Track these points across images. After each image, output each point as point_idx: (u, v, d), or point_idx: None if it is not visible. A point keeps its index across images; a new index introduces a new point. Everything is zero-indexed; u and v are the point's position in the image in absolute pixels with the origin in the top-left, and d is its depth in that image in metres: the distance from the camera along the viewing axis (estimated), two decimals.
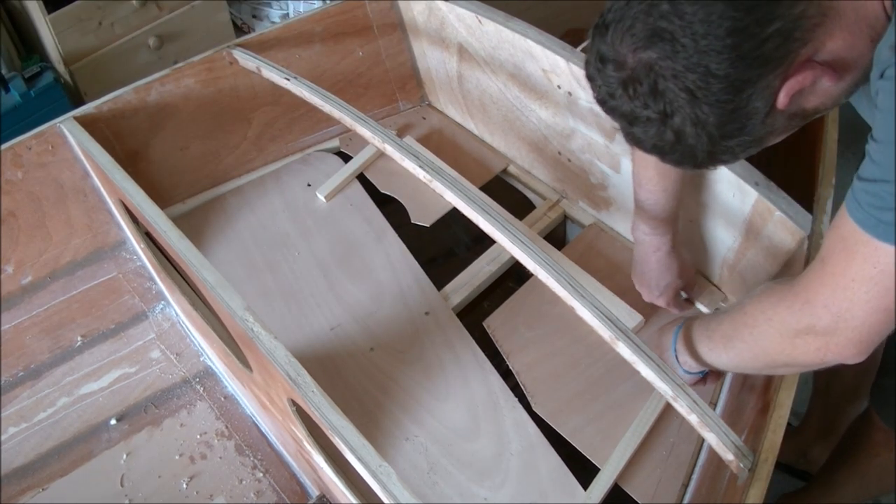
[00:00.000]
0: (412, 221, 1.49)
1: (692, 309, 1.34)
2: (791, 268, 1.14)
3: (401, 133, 1.64)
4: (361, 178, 1.57)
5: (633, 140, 0.84)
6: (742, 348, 0.95)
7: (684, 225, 1.32)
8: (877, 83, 0.74)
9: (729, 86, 0.74)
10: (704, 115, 0.76)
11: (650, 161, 1.15)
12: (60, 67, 1.97)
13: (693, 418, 0.93)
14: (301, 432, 1.08)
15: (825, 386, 1.57)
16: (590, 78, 0.83)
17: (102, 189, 1.38)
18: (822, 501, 1.50)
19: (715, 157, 0.82)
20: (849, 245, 0.77)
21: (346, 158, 1.60)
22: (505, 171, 1.60)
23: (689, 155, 0.81)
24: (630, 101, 0.79)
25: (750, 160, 1.19)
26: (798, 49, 0.74)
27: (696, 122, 0.77)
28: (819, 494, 1.51)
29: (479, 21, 1.42)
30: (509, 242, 1.05)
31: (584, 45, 1.27)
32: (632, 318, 1.30)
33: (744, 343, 0.94)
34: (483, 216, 1.07)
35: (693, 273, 1.30)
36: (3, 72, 1.88)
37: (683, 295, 1.33)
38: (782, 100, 0.76)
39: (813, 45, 0.75)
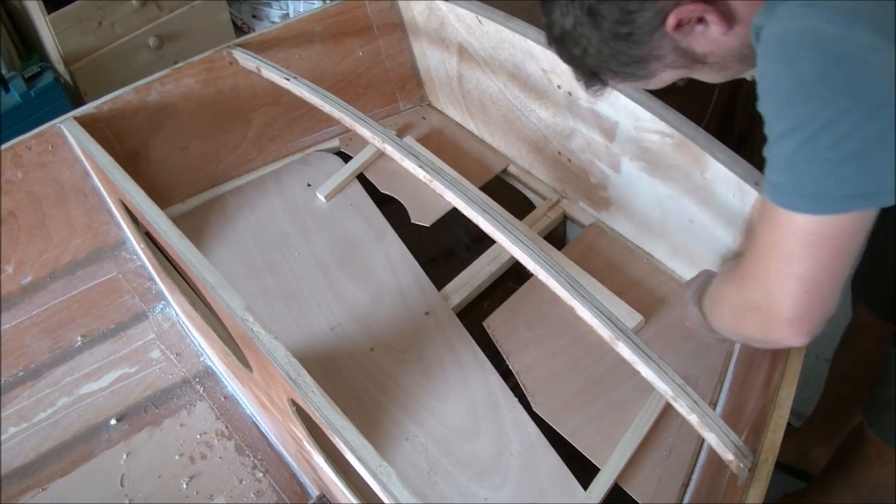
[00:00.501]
0: (412, 221, 1.49)
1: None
2: None
3: (401, 133, 1.64)
4: (361, 178, 1.57)
5: (548, 31, 0.89)
6: (718, 322, 0.98)
7: (684, 225, 1.32)
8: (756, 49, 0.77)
9: None
10: (600, 7, 0.81)
11: None
12: (60, 67, 1.97)
13: (693, 418, 0.93)
14: (301, 432, 1.08)
15: (835, 389, 1.57)
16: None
17: (102, 189, 1.38)
18: None
19: (603, 60, 0.87)
20: (765, 218, 0.79)
21: (346, 158, 1.60)
22: (505, 171, 1.60)
23: (583, 48, 0.87)
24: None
25: (750, 160, 1.19)
26: None
27: (591, 12, 0.82)
28: (818, 499, 1.51)
29: (479, 21, 1.42)
30: (509, 242, 1.05)
31: None
32: (632, 318, 1.30)
33: (716, 318, 0.98)
34: (483, 216, 1.07)
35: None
36: (3, 72, 1.88)
37: None
38: (671, 21, 0.80)
39: None
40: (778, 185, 0.75)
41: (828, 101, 0.69)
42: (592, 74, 0.90)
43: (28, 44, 2.02)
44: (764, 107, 0.75)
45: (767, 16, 0.74)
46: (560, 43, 0.89)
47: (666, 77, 0.89)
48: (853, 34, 0.68)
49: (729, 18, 0.80)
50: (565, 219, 1.55)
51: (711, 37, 0.82)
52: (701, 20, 0.80)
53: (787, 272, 0.78)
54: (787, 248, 0.77)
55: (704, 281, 1.07)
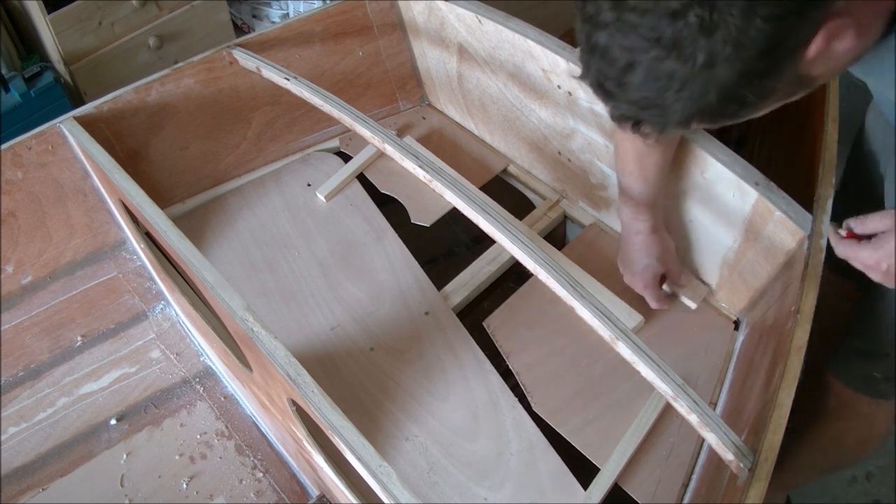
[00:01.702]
0: (412, 221, 1.49)
1: (675, 302, 1.34)
2: (791, 268, 1.14)
3: (401, 133, 1.64)
4: (361, 178, 1.57)
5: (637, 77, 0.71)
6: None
7: (684, 225, 1.32)
8: None
9: (784, 8, 0.66)
10: (750, 37, 0.67)
11: (630, 152, 1.18)
12: (60, 67, 1.97)
13: (693, 418, 0.93)
14: (301, 432, 1.08)
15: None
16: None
17: (102, 189, 1.38)
18: (781, 471, 1.49)
19: (722, 105, 0.72)
20: None
21: (346, 158, 1.60)
22: (505, 171, 1.60)
23: (701, 94, 0.71)
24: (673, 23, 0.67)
25: (750, 160, 1.19)
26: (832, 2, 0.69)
27: (737, 44, 0.67)
28: (778, 463, 1.50)
29: (479, 21, 1.42)
30: (509, 242, 1.05)
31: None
32: (632, 318, 1.30)
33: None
34: (483, 216, 1.07)
35: (675, 260, 1.32)
36: (3, 72, 1.88)
37: (666, 290, 1.33)
38: (819, 44, 0.70)
39: (841, 2, 0.70)
40: None
41: None
42: (689, 121, 0.75)
43: (28, 44, 2.02)
44: None
45: None
46: (662, 89, 0.70)
47: (769, 109, 0.79)
48: None
49: (859, 30, 0.72)
50: (565, 219, 1.55)
51: (834, 55, 0.73)
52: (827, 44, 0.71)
53: None
54: None
55: None
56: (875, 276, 0.95)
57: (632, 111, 0.75)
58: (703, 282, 1.36)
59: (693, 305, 1.33)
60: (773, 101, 0.78)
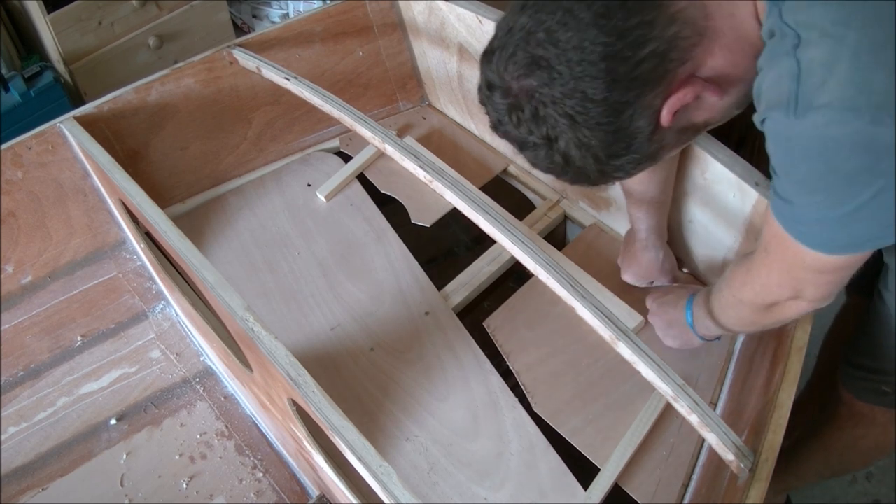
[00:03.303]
0: (412, 221, 1.49)
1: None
2: None
3: (401, 133, 1.64)
4: (361, 178, 1.57)
5: (530, 162, 0.87)
6: (735, 322, 1.03)
7: (684, 225, 1.32)
8: (760, 125, 0.76)
9: (607, 109, 0.76)
10: (587, 139, 0.78)
11: None
12: (60, 67, 1.97)
13: (693, 418, 0.93)
14: (301, 432, 1.08)
15: (827, 369, 1.57)
16: (482, 103, 0.86)
17: (102, 189, 1.38)
18: (786, 474, 1.50)
19: (607, 175, 0.85)
20: (782, 242, 0.81)
21: (346, 158, 1.60)
22: (505, 171, 1.60)
23: (582, 175, 0.84)
24: (516, 128, 0.82)
25: (750, 160, 1.19)
26: (675, 69, 0.76)
27: (579, 145, 0.79)
28: (783, 466, 1.51)
29: (479, 21, 1.42)
30: (509, 242, 1.05)
31: None
32: (632, 318, 1.30)
33: (733, 318, 1.02)
34: (483, 216, 1.07)
35: (671, 265, 1.33)
36: (3, 72, 1.88)
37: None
38: (665, 117, 0.78)
39: (692, 63, 0.76)
40: (807, 234, 0.77)
41: (866, 185, 0.69)
42: (598, 184, 0.89)
43: (28, 44, 2.02)
44: (782, 160, 0.75)
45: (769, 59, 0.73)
46: (553, 174, 0.87)
47: (675, 151, 0.90)
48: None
49: (722, 83, 0.78)
50: (565, 219, 1.55)
51: (708, 105, 0.80)
52: (695, 98, 0.78)
53: (821, 280, 0.84)
54: (817, 269, 0.81)
55: (695, 291, 1.16)
56: (659, 333, 1.23)
57: (546, 173, 0.89)
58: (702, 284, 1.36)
59: None
60: (668, 151, 0.87)
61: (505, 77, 0.80)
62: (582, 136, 0.78)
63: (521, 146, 0.85)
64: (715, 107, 0.81)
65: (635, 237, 1.29)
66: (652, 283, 1.32)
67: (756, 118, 0.77)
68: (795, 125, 0.70)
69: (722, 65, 0.78)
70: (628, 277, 1.34)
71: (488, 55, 0.82)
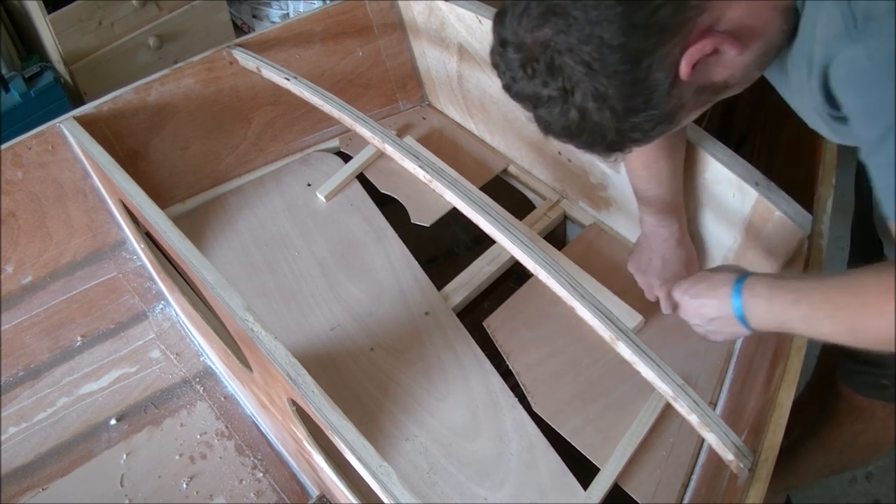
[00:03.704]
0: (412, 221, 1.49)
1: None
2: (791, 268, 1.14)
3: (401, 133, 1.64)
4: (361, 178, 1.57)
5: (543, 125, 0.83)
6: (838, 327, 0.85)
7: None
8: (825, 75, 0.72)
9: (625, 56, 0.73)
10: (604, 88, 0.75)
11: (637, 159, 1.16)
12: (60, 67, 1.97)
13: (693, 418, 0.93)
14: (301, 432, 1.08)
15: (828, 368, 1.56)
16: (494, 65, 0.83)
17: (102, 189, 1.38)
18: (786, 473, 1.50)
19: (625, 135, 0.81)
20: None
21: (346, 158, 1.60)
22: (505, 171, 1.60)
23: (598, 134, 0.80)
24: (530, 81, 0.79)
25: (750, 160, 1.19)
26: (695, 17, 0.74)
27: (597, 95, 0.76)
28: (783, 466, 1.51)
29: (479, 21, 1.42)
30: (509, 242, 1.05)
31: None
32: (632, 318, 1.30)
33: (842, 324, 0.85)
34: (483, 216, 1.07)
35: (697, 267, 1.30)
36: (3, 72, 1.88)
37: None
38: (684, 69, 0.75)
39: (711, 14, 0.74)
40: None
41: None
42: (614, 150, 0.84)
43: (28, 44, 2.02)
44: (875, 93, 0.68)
45: None
46: (568, 136, 0.82)
47: (693, 115, 0.84)
48: None
49: (742, 36, 0.76)
50: (565, 219, 1.55)
51: (727, 61, 0.78)
52: (714, 51, 0.76)
53: None
54: None
55: (737, 274, 0.97)
56: (699, 329, 1.06)
57: (559, 138, 0.84)
58: None
59: None
60: (686, 113, 0.83)
61: (518, 31, 0.77)
62: (599, 86, 0.75)
63: (536, 103, 0.81)
64: (734, 63, 0.78)
65: (658, 247, 1.25)
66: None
67: (814, 60, 0.74)
68: (861, 42, 0.67)
69: (742, 16, 0.75)
70: (642, 283, 1.29)
71: (500, 15, 0.80)
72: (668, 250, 1.24)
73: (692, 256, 1.27)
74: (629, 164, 1.19)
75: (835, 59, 0.71)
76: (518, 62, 0.79)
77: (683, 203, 1.23)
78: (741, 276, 0.96)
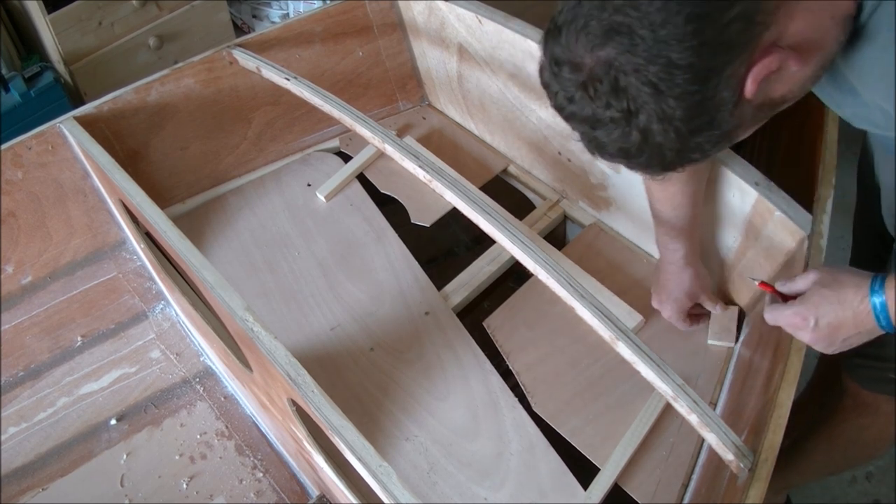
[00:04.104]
0: (412, 221, 1.49)
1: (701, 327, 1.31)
2: (791, 268, 1.14)
3: (401, 133, 1.64)
4: (361, 178, 1.57)
5: (597, 146, 0.80)
6: None
7: None
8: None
9: (694, 76, 0.71)
10: (671, 110, 0.73)
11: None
12: (60, 67, 1.97)
13: (693, 418, 0.93)
14: (301, 432, 1.08)
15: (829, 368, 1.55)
16: (545, 85, 0.80)
17: (102, 189, 1.38)
18: (788, 471, 1.50)
19: (684, 156, 0.79)
20: None
21: (346, 158, 1.60)
22: (505, 171, 1.60)
23: (657, 155, 0.78)
24: (591, 103, 0.76)
25: (750, 160, 1.19)
26: (761, 33, 0.72)
27: (662, 117, 0.73)
28: (785, 464, 1.50)
29: (479, 21, 1.42)
30: (509, 242, 1.05)
31: None
32: (632, 318, 1.30)
33: None
34: (483, 216, 1.07)
35: (709, 292, 1.28)
36: (3, 72, 1.88)
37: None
38: (750, 87, 0.74)
39: (776, 29, 0.73)
40: None
41: None
42: (669, 170, 0.81)
43: (28, 44, 2.02)
44: None
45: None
46: (624, 157, 0.79)
47: (749, 132, 0.82)
48: None
49: (803, 50, 0.74)
50: (565, 219, 1.55)
51: (788, 76, 0.76)
52: (778, 68, 0.74)
53: None
54: None
55: (864, 280, 0.90)
56: (804, 337, 0.95)
57: (612, 159, 0.81)
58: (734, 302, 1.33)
59: (719, 343, 1.28)
60: (743, 130, 0.81)
61: (577, 50, 0.74)
62: (666, 107, 0.73)
63: (594, 125, 0.77)
64: (794, 77, 0.76)
65: (665, 268, 1.25)
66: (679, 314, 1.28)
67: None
68: None
69: (803, 28, 0.74)
70: (656, 304, 1.30)
71: (553, 31, 0.76)
72: (672, 275, 1.25)
73: (701, 280, 1.26)
74: (646, 181, 1.19)
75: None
76: (575, 83, 0.76)
77: (699, 228, 1.21)
78: (870, 285, 0.89)
